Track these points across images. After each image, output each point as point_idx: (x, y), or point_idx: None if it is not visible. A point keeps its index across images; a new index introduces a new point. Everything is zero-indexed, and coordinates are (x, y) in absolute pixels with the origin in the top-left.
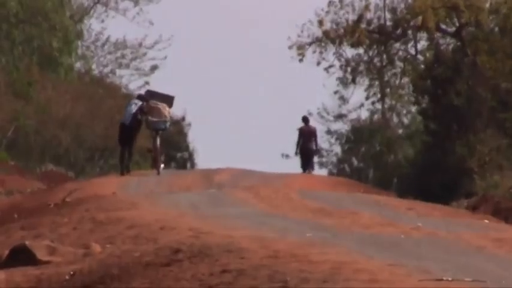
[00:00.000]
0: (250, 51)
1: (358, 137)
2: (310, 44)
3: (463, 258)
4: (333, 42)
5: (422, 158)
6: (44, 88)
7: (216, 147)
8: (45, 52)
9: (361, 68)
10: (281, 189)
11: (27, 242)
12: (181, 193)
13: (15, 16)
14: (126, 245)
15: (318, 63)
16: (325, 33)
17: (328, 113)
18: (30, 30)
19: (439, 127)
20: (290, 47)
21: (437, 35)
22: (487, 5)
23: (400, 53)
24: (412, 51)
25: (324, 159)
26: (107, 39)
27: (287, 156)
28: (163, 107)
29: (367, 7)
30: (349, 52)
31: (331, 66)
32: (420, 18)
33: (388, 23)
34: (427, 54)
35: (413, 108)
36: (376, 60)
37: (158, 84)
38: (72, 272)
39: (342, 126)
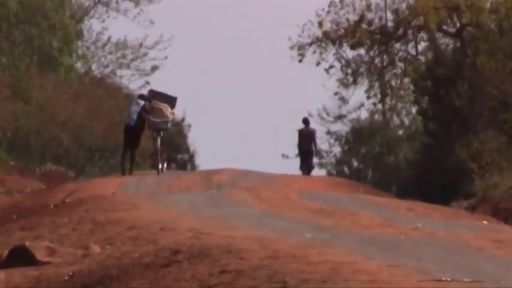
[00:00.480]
0: (250, 51)
1: (358, 138)
2: (310, 44)
3: (462, 259)
4: (333, 42)
5: (422, 158)
6: (44, 88)
7: (216, 148)
8: (45, 52)
9: (362, 69)
10: (281, 190)
11: (26, 243)
12: (181, 194)
13: (16, 16)
14: (125, 246)
15: (318, 64)
16: (325, 34)
17: (328, 114)
18: (30, 30)
19: (439, 128)
20: (291, 48)
21: (438, 35)
22: (488, 5)
23: (401, 53)
24: (413, 52)
25: (323, 160)
26: (108, 40)
27: (287, 156)
28: (165, 107)
29: (368, 7)
30: (349, 53)
31: (331, 67)
32: (422, 18)
33: (390, 24)
34: (428, 55)
35: (414, 109)
36: (376, 60)
37: (158, 84)
38: (71, 273)
39: (342, 127)
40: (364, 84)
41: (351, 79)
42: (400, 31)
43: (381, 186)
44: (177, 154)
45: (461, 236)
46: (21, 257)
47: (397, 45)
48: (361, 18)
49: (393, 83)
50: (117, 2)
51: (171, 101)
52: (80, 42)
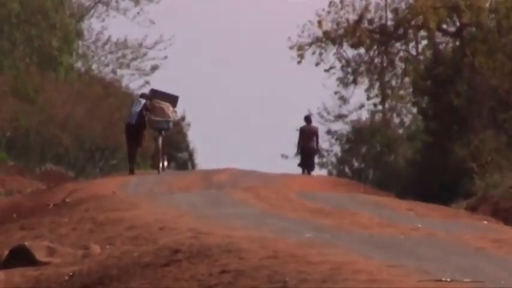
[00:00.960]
0: (250, 51)
1: (359, 138)
2: (310, 44)
3: (462, 259)
4: (333, 42)
5: (422, 158)
6: (44, 88)
7: (216, 148)
8: (45, 52)
9: (362, 68)
10: (281, 190)
11: (26, 243)
12: (181, 193)
13: (17, 17)
14: (125, 245)
15: (317, 64)
16: (325, 34)
17: (328, 113)
18: (30, 29)
19: (439, 127)
20: (291, 48)
21: (438, 34)
22: (487, 5)
23: (401, 53)
24: (413, 52)
25: (324, 160)
26: (108, 39)
27: (287, 156)
28: (166, 106)
29: (367, 7)
30: (349, 52)
31: (331, 67)
32: (421, 18)
33: (390, 23)
34: (427, 54)
35: (414, 109)
36: (376, 60)
37: (158, 84)
38: (71, 273)
39: (343, 127)
40: (364, 83)
41: (350, 78)
42: (400, 30)
43: (381, 186)
44: (177, 153)
45: (461, 236)
46: (21, 257)
47: (398, 44)
48: (361, 17)
49: (393, 82)
50: (117, 1)
51: (173, 100)
52: (80, 41)
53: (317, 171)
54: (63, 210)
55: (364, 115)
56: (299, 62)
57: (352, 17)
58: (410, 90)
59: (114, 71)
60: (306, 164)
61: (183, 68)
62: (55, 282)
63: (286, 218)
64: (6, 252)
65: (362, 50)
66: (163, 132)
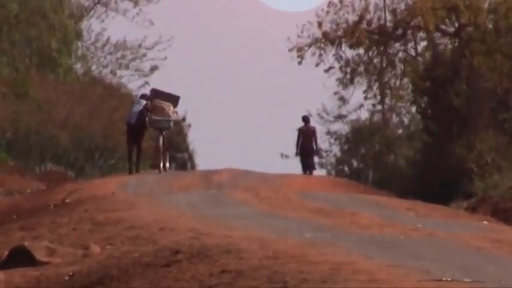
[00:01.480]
0: (250, 51)
1: (358, 138)
2: (309, 45)
3: (462, 259)
4: (332, 43)
5: (421, 158)
6: (43, 88)
7: (215, 148)
8: (45, 53)
9: (361, 68)
10: (280, 190)
11: (26, 243)
12: (181, 193)
13: (16, 17)
14: (125, 246)
15: (317, 65)
16: (325, 34)
17: (327, 114)
18: (29, 30)
19: (438, 127)
20: (290, 50)
21: (437, 35)
22: (486, 5)
23: (400, 54)
24: (412, 52)
25: (323, 160)
26: (107, 40)
27: (286, 156)
28: (167, 106)
29: (367, 8)
30: (348, 53)
31: (330, 68)
32: (420, 18)
33: (388, 24)
34: (426, 55)
35: (413, 109)
36: (375, 61)
37: (158, 84)
38: (71, 273)
39: (342, 127)
40: (363, 84)
41: (349, 78)
42: (399, 31)
43: (381, 186)
44: (177, 153)
45: (461, 236)
46: (20, 257)
47: (397, 45)
48: (360, 18)
49: (392, 83)
50: (116, 2)
51: (174, 99)
52: (79, 42)
53: (317, 171)
54: (63, 210)
55: (364, 115)
56: (299, 63)
57: (352, 18)
58: (409, 90)
59: (113, 72)
60: (306, 164)
61: (183, 68)
62: (55, 282)
63: (286, 218)
64: (6, 252)
65: (361, 51)
66: (164, 132)
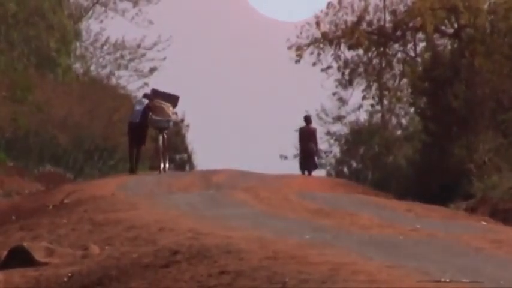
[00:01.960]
0: (250, 52)
1: (357, 139)
2: (308, 45)
3: (461, 260)
4: (331, 43)
5: (421, 159)
6: (42, 89)
7: (215, 148)
8: (43, 53)
9: (360, 69)
10: (280, 190)
11: (25, 243)
12: (180, 194)
13: (14, 17)
14: (124, 246)
15: (314, 64)
16: (324, 35)
17: (327, 115)
18: (27, 30)
19: (437, 128)
20: (289, 48)
21: (436, 36)
22: (486, 6)
23: (399, 54)
24: (411, 53)
25: (322, 161)
26: (106, 40)
27: (286, 157)
28: (167, 106)
29: (366, 9)
30: (347, 54)
31: (329, 67)
32: (419, 19)
33: (388, 25)
34: (425, 56)
35: (412, 110)
36: (374, 62)
37: (157, 85)
38: (70, 274)
39: (341, 128)
40: (362, 85)
41: (347, 79)
42: (398, 32)
43: (380, 187)
44: (176, 154)
45: (460, 237)
46: (20, 257)
47: (396, 46)
48: (359, 19)
49: (391, 84)
50: (114, 2)
51: (173, 100)
52: (78, 42)
53: (316, 172)
54: (62, 211)
55: (363, 116)
56: (297, 62)
57: (350, 19)
58: (409, 91)
59: (112, 72)
60: (307, 165)
61: (182, 68)
62: (54, 282)
63: (285, 219)
64: (5, 252)
65: (360, 52)
66: (164, 132)
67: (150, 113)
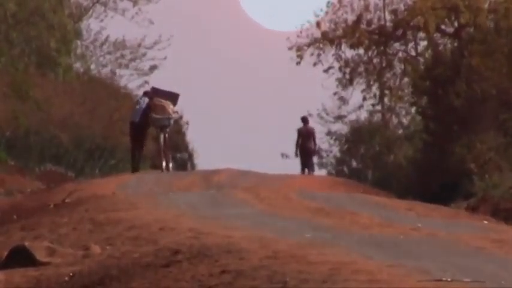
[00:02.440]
0: (249, 51)
1: (357, 138)
2: (309, 45)
3: (462, 259)
4: (332, 43)
5: (421, 158)
6: (42, 88)
7: (215, 148)
8: (44, 52)
9: (361, 69)
10: (280, 190)
11: (26, 243)
12: (181, 193)
13: (14, 17)
14: (125, 246)
15: (315, 64)
16: (324, 34)
17: (327, 114)
18: (28, 30)
19: (438, 127)
20: (290, 48)
21: (437, 35)
22: (486, 5)
23: (400, 54)
24: (412, 52)
25: (323, 160)
26: (106, 39)
27: (286, 156)
28: (167, 104)
29: (366, 8)
30: (348, 53)
31: (330, 67)
32: (420, 19)
33: (388, 24)
34: (426, 55)
35: (413, 109)
36: (375, 61)
37: (157, 84)
38: (71, 273)
39: (342, 127)
40: (362, 84)
41: (348, 78)
42: (399, 31)
43: (381, 186)
44: (176, 153)
45: (461, 236)
46: (21, 257)
47: (396, 45)
48: (360, 18)
49: (392, 83)
50: (115, 1)
51: (173, 98)
52: (78, 42)
53: (317, 171)
54: (63, 210)
55: (363, 115)
56: (298, 63)
57: (351, 18)
58: (409, 90)
59: (113, 71)
60: (305, 165)
61: (182, 68)
62: (55, 282)
63: (285, 218)
64: (6, 252)
65: (361, 51)
66: (165, 130)
67: (150, 112)
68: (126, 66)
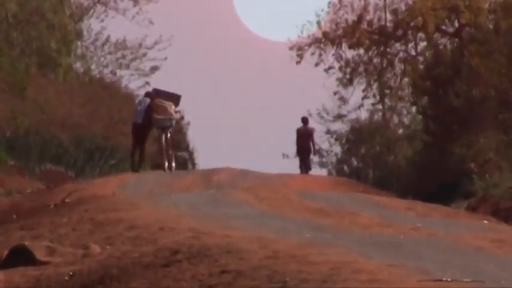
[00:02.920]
0: (250, 51)
1: (358, 137)
2: (309, 45)
3: (462, 259)
4: (332, 43)
5: (421, 158)
6: (43, 88)
7: (216, 147)
8: (44, 52)
9: (361, 68)
10: (280, 190)
11: (26, 243)
12: (181, 193)
13: (14, 17)
14: (125, 246)
15: (317, 65)
16: (325, 34)
17: (328, 113)
18: (28, 30)
19: (438, 127)
20: (291, 48)
21: (437, 35)
22: (486, 5)
23: (400, 54)
24: (412, 52)
25: (323, 160)
26: (107, 39)
27: (287, 156)
28: (169, 105)
29: (366, 8)
30: (348, 53)
31: (330, 67)
32: (420, 19)
33: (389, 24)
34: (427, 54)
35: (413, 109)
36: (375, 61)
37: (158, 84)
38: (71, 273)
39: (342, 127)
40: (363, 84)
41: (348, 78)
42: (399, 31)
43: (381, 186)
44: (177, 152)
45: (461, 236)
46: (20, 256)
47: (397, 45)
48: (360, 18)
49: (392, 83)
50: (115, 1)
51: (175, 99)
52: (79, 42)
53: (317, 171)
54: (63, 210)
55: (364, 115)
56: (298, 63)
57: (351, 18)
58: (409, 90)
59: (113, 72)
60: (304, 165)
61: (183, 67)
62: (55, 282)
63: (285, 218)
64: (6, 252)
65: (361, 51)
66: (168, 131)
67: (152, 113)
68: (127, 67)
